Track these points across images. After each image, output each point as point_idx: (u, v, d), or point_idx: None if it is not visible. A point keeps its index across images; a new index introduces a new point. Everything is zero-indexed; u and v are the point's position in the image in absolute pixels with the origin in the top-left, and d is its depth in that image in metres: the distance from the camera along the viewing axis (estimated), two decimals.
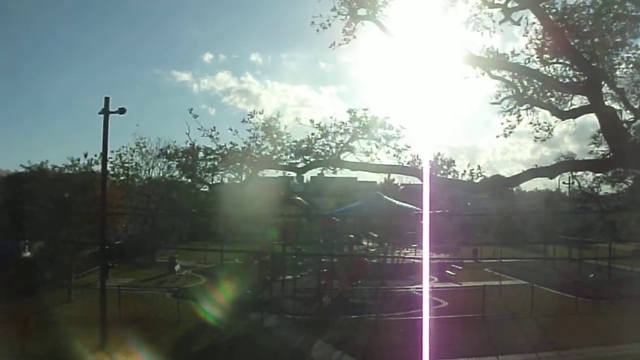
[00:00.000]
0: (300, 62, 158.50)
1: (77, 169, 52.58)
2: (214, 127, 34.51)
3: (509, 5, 29.50)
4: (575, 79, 31.47)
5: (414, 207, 53.12)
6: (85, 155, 52.30)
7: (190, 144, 38.29)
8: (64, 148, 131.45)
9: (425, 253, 35.56)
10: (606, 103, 29.69)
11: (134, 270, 49.45)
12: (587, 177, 54.63)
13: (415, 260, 48.84)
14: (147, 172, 64.27)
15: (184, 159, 44.25)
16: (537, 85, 32.91)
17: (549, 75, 32.08)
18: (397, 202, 59.84)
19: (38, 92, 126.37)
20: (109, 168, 46.42)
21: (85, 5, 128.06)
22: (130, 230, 60.82)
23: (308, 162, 34.93)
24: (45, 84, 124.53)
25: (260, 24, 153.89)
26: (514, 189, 68.81)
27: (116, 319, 29.32)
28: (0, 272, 35.37)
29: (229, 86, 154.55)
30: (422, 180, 31.79)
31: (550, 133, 34.00)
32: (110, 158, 55.21)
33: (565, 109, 32.48)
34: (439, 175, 58.88)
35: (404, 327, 29.64)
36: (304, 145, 34.50)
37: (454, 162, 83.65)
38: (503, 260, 49.78)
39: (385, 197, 62.31)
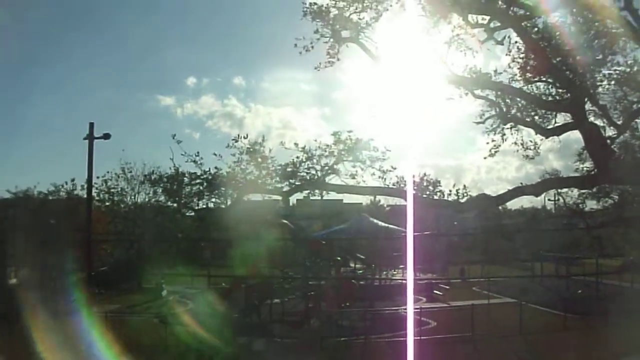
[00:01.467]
0: (284, 84, 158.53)
1: (60, 194, 52.40)
2: (198, 152, 34.48)
3: (492, 25, 29.77)
4: (558, 97, 31.67)
5: (400, 229, 53.12)
6: (72, 180, 52.28)
7: (174, 169, 38.22)
8: (50, 174, 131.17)
9: (410, 274, 35.47)
10: (589, 120, 29.91)
11: (120, 296, 49.13)
12: (572, 194, 54.78)
13: (403, 281, 48.72)
14: (132, 197, 64.16)
15: (168, 185, 44.12)
16: (520, 104, 33.10)
17: (532, 93, 32.29)
18: (383, 224, 59.81)
19: (20, 117, 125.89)
20: (94, 193, 46.24)
21: (67, 30, 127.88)
22: (115, 255, 60.51)
23: (293, 185, 34.93)
24: (28, 108, 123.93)
25: (243, 47, 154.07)
26: (500, 207, 68.95)
27: (102, 346, 29.05)
28: None
29: (213, 110, 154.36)
30: (409, 201, 31.83)
31: (537, 151, 34.20)
32: (96, 184, 55.07)
33: (549, 127, 32.67)
34: (424, 195, 58.97)
35: (393, 349, 29.48)
36: (289, 169, 34.51)
37: (439, 182, 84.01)
38: (491, 279, 49.79)
39: (372, 218, 62.30)
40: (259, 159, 34.49)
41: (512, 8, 28.96)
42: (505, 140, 33.83)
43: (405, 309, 38.71)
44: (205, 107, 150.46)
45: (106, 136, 29.72)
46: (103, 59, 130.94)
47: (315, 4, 30.67)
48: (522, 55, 31.06)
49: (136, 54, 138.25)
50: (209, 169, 34.97)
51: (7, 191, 61.29)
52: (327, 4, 30.46)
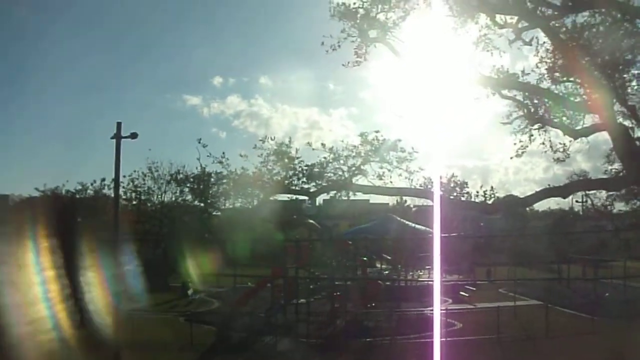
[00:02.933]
0: (310, 84, 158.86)
1: (87, 193, 52.72)
2: (224, 153, 34.48)
3: (520, 25, 29.58)
4: (586, 97, 31.41)
5: (427, 229, 53.02)
6: (103, 180, 52.63)
7: (201, 169, 38.34)
8: (78, 173, 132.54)
9: (437, 275, 35.33)
10: (618, 120, 29.64)
11: (147, 294, 49.25)
12: (601, 195, 54.48)
13: (429, 282, 48.56)
14: (159, 196, 64.40)
15: (195, 185, 44.19)
16: (548, 105, 32.87)
17: (560, 94, 32.06)
18: (410, 224, 59.75)
19: (49, 118, 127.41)
20: (121, 192, 46.48)
21: (94, 32, 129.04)
22: (142, 254, 60.67)
23: (320, 186, 34.89)
24: (57, 109, 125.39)
25: (269, 46, 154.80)
26: (527, 208, 68.69)
27: (129, 344, 29.24)
28: None
29: (239, 109, 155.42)
30: (435, 202, 31.74)
31: (566, 153, 33.97)
32: (123, 183, 55.34)
33: (577, 128, 32.42)
34: (452, 197, 58.80)
35: (419, 350, 29.42)
36: (315, 170, 34.46)
37: (467, 183, 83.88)
38: (517, 281, 49.52)
39: (398, 218, 62.23)
40: (286, 160, 34.46)
41: (540, 8, 28.78)
42: (533, 140, 33.64)
43: (432, 310, 38.60)
44: (231, 106, 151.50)
45: (133, 135, 29.74)
46: (130, 60, 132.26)
47: (342, 4, 30.69)
48: (550, 56, 30.86)
49: (162, 55, 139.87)
50: (235, 169, 34.99)
51: (36, 189, 61.91)
52: (354, 4, 30.46)
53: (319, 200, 49.35)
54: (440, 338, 29.76)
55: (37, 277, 37.96)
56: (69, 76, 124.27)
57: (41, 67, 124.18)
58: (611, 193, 44.77)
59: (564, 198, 35.73)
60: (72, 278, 38.57)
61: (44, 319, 32.67)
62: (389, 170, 34.19)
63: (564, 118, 33.08)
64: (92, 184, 59.99)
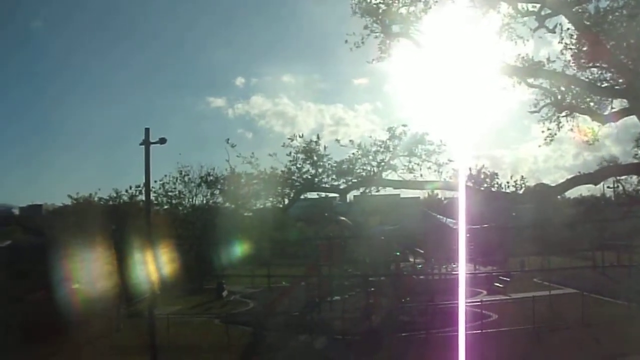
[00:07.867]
0: (334, 80, 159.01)
1: (121, 200, 52.99)
2: (253, 154, 34.57)
3: (542, 12, 29.37)
4: (613, 82, 31.14)
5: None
6: (137, 187, 53.00)
7: (230, 171, 38.42)
8: (110, 180, 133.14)
9: (462, 266, 35.15)
10: None
11: (182, 297, 49.52)
12: (632, 180, 53.92)
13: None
14: (190, 199, 64.55)
15: (225, 187, 44.23)
16: (575, 91, 32.62)
17: (587, 80, 31.80)
18: (440, 217, 59.57)
19: (78, 127, 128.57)
20: (152, 197, 46.73)
21: (115, 39, 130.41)
22: (175, 258, 60.85)
23: (350, 182, 34.86)
24: (79, 117, 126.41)
25: (289, 45, 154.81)
26: (558, 196, 68.12)
27: (165, 347, 29.45)
28: (49, 303, 35.40)
29: (264, 109, 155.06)
30: (461, 194, 31.72)
31: (596, 138, 33.78)
32: (154, 187, 55.59)
33: (605, 113, 32.15)
34: (482, 188, 58.39)
35: (454, 343, 29.34)
36: (344, 166, 34.42)
37: (497, 174, 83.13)
38: (552, 270, 49.18)
39: (430, 212, 62.05)
40: (315, 158, 34.48)
41: None
42: (561, 127, 33.46)
43: (467, 302, 38.44)
44: (255, 106, 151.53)
45: (162, 141, 29.91)
46: (152, 65, 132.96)
47: (363, 0, 30.67)
48: (574, 42, 30.61)
49: (183, 58, 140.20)
50: (264, 169, 35.04)
51: (69, 196, 62.42)
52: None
53: (350, 196, 49.32)
54: (476, 330, 29.79)
55: None
56: (95, 85, 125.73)
57: (69, 79, 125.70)
58: None
59: (595, 185, 35.48)
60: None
61: None
62: (418, 164, 34.16)
63: (592, 104, 32.86)
64: (126, 191, 60.34)
